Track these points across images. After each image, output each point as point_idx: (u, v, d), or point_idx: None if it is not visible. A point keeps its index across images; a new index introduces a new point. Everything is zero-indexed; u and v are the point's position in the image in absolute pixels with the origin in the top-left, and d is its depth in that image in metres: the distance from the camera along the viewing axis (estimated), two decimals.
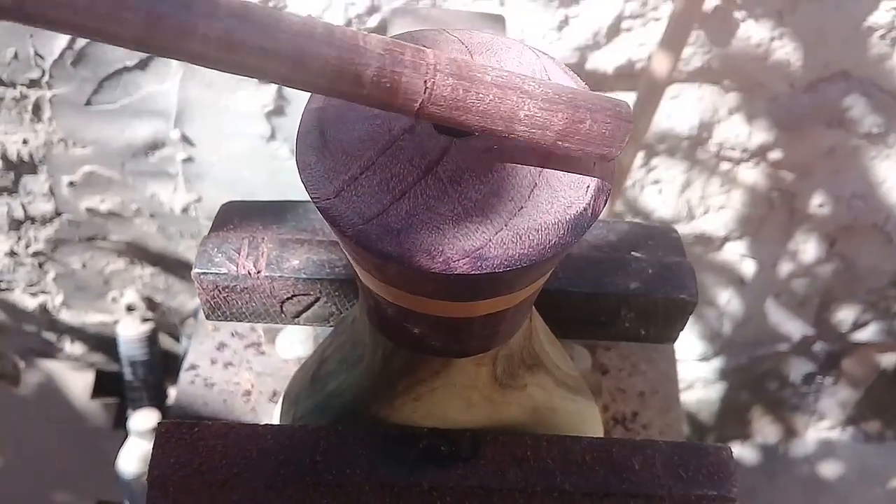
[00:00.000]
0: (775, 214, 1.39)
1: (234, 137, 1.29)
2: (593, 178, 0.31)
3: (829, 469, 1.90)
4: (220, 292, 0.49)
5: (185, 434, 0.43)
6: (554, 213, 0.31)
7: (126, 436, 1.44)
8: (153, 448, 0.42)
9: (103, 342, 1.72)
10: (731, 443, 1.92)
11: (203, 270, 0.48)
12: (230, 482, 0.41)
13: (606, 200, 0.31)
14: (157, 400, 1.67)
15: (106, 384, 1.74)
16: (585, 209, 0.31)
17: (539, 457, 0.42)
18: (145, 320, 1.59)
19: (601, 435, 0.52)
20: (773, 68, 1.16)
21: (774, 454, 1.92)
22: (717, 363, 1.74)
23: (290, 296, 0.49)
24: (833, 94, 1.20)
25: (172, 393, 1.76)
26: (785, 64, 1.15)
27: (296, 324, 0.51)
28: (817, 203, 1.37)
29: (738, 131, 1.25)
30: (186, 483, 0.41)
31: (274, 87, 1.20)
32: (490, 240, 0.30)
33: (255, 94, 1.22)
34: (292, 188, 1.34)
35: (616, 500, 0.42)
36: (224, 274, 0.48)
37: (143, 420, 1.37)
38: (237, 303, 0.50)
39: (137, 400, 1.65)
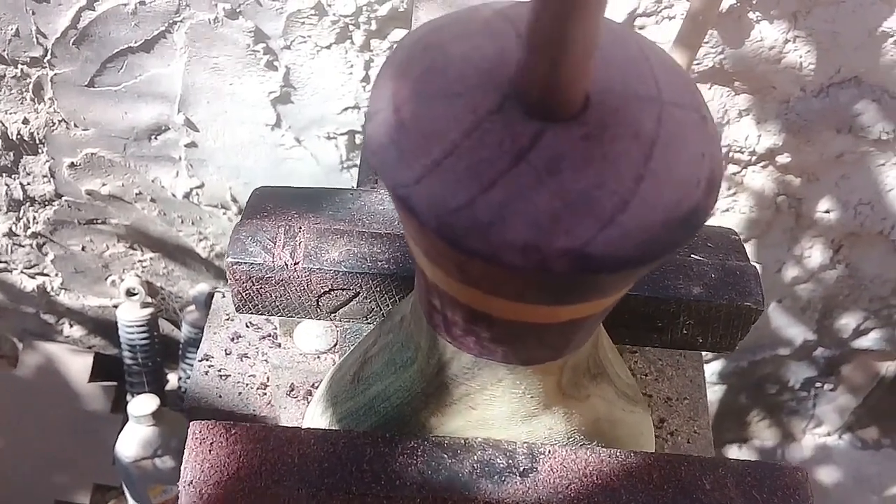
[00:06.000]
0: (781, 219, 1.38)
1: (238, 124, 1.28)
2: (703, 172, 0.28)
3: (826, 475, 1.90)
4: (254, 284, 0.46)
5: (221, 437, 0.39)
6: (663, 210, 0.27)
7: (125, 420, 1.44)
8: (186, 451, 0.39)
9: (103, 325, 1.71)
10: (728, 445, 1.92)
11: (237, 260, 0.45)
12: (270, 490, 0.38)
13: (717, 197, 0.28)
14: (157, 384, 1.68)
15: (105, 367, 1.73)
16: (697, 206, 0.28)
17: (602, 472, 0.39)
18: (145, 305, 1.58)
19: (653, 447, 0.49)
20: (786, 71, 1.14)
21: (771, 458, 1.92)
22: (717, 366, 1.73)
23: (327, 290, 0.46)
24: (844, 99, 1.19)
25: (172, 378, 1.77)
26: (797, 67, 1.14)
27: (331, 320, 0.48)
28: (824, 209, 1.36)
29: (748, 134, 1.24)
30: (222, 489, 0.38)
31: (280, 73, 1.18)
32: (593, 237, 0.26)
33: (260, 81, 1.20)
34: (297, 176, 1.34)
35: None
36: (259, 264, 0.45)
37: (142, 405, 1.37)
38: (270, 296, 0.47)
39: (136, 384, 1.66)
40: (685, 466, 0.39)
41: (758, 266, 1.42)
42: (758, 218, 1.37)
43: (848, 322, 1.63)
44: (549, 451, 0.40)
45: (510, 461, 0.39)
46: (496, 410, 0.39)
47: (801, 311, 1.59)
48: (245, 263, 0.45)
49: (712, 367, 1.74)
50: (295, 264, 0.45)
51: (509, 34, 0.30)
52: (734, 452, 1.92)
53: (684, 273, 0.46)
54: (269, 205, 0.48)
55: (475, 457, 0.40)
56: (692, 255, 0.47)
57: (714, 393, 1.81)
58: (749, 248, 1.44)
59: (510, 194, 0.27)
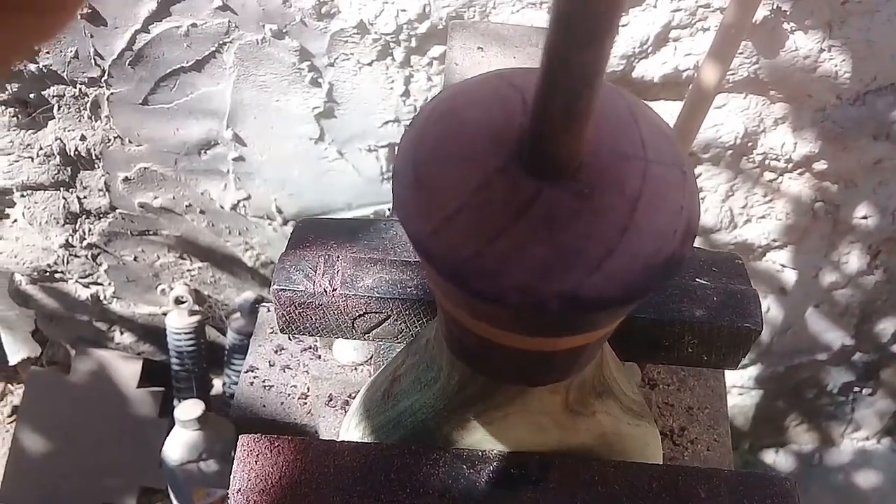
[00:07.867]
0: (818, 225, 1.39)
1: (283, 138, 1.32)
2: (681, 223, 0.32)
3: (864, 478, 1.90)
4: (296, 308, 0.51)
5: (266, 449, 0.44)
6: (644, 257, 0.31)
7: (171, 424, 1.47)
8: (235, 462, 0.44)
9: (152, 333, 1.76)
10: (765, 450, 1.92)
11: (282, 287, 0.50)
12: (309, 497, 0.43)
13: (692, 244, 0.32)
14: (203, 390, 1.71)
15: (153, 373, 1.77)
16: (674, 254, 0.32)
17: (606, 482, 0.43)
18: (193, 312, 1.62)
19: (660, 458, 0.53)
20: (821, 80, 1.15)
21: (809, 462, 1.92)
22: (754, 370, 1.74)
23: (362, 313, 0.51)
24: (881, 106, 1.19)
25: (217, 383, 1.80)
26: (832, 76, 1.14)
27: (365, 339, 0.53)
28: (861, 215, 1.36)
29: (784, 141, 1.25)
30: (267, 496, 0.43)
31: (324, 89, 1.22)
32: (583, 282, 0.31)
33: (305, 97, 1.24)
34: (339, 189, 1.38)
35: None
36: (301, 291, 0.50)
37: (189, 409, 1.40)
38: (311, 318, 0.51)
39: (183, 389, 1.69)
40: (682, 477, 0.43)
41: (794, 271, 1.44)
42: (795, 224, 1.38)
43: (886, 327, 1.63)
44: (558, 463, 0.44)
45: (522, 471, 0.44)
46: (509, 426, 0.44)
47: (839, 316, 1.59)
48: (289, 290, 0.50)
49: (749, 372, 1.75)
50: (333, 290, 0.50)
51: (515, 100, 0.34)
52: (771, 457, 1.92)
53: (689, 296, 0.50)
54: (311, 236, 0.53)
55: (491, 467, 0.44)
56: (697, 280, 0.51)
57: (752, 398, 1.82)
58: (786, 253, 1.45)
59: (512, 245, 0.31)
